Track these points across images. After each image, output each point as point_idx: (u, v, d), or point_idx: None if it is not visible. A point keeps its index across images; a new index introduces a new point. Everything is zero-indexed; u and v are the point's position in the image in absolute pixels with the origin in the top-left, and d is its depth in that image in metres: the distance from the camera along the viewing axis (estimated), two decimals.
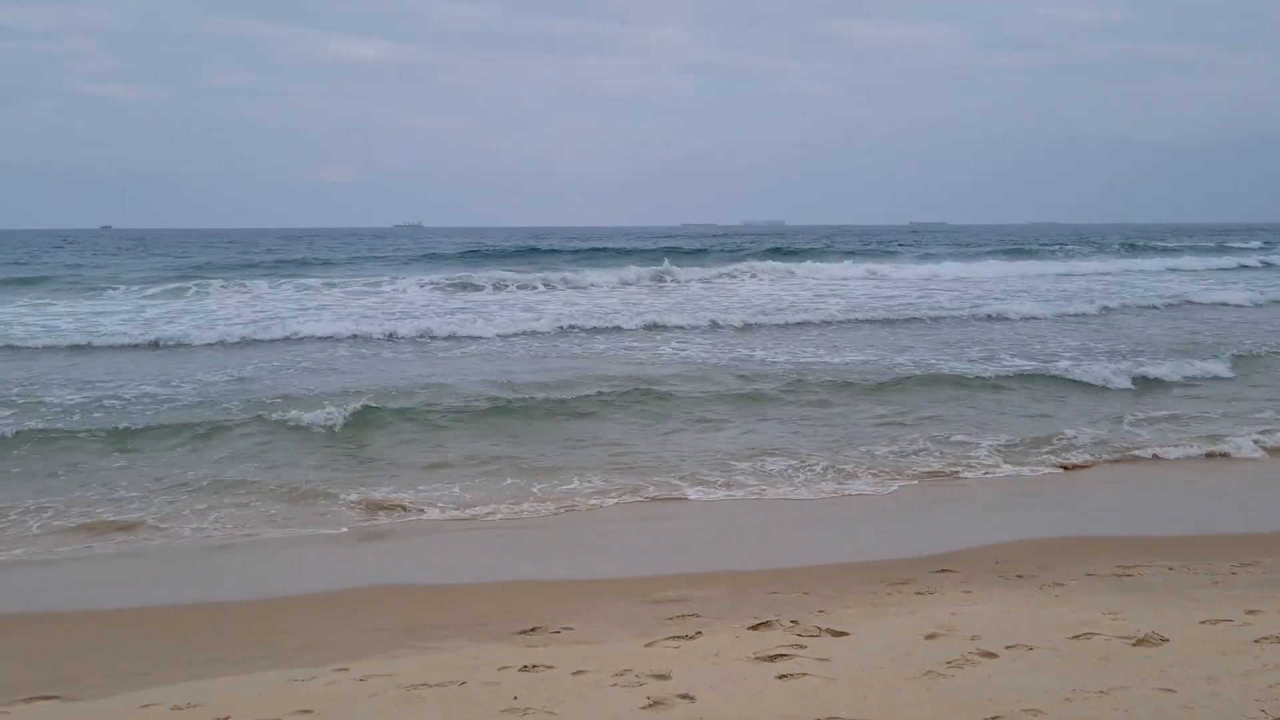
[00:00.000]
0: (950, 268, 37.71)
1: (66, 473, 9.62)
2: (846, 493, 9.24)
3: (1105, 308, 25.08)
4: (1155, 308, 25.60)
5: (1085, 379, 14.13)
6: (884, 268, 37.11)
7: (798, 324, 21.41)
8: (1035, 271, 37.98)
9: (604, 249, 51.67)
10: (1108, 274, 37.57)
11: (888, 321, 21.79)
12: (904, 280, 33.36)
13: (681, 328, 20.61)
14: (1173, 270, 39.43)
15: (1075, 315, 23.57)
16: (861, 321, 21.77)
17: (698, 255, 45.77)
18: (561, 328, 20.28)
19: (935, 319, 22.29)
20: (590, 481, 9.47)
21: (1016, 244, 62.97)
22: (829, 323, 21.55)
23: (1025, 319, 22.50)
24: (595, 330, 20.27)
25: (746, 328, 20.85)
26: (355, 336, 18.89)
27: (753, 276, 33.26)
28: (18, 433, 10.81)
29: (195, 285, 27.96)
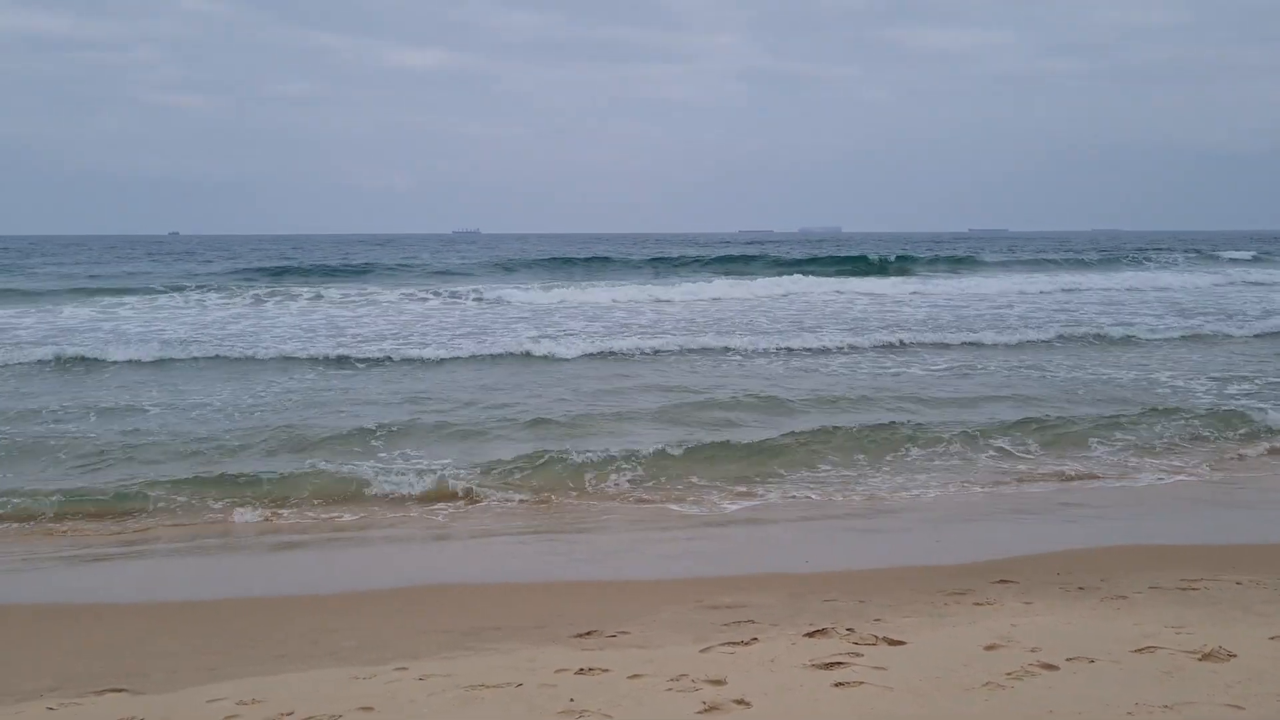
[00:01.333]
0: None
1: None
2: (906, 500, 9.16)
3: None
4: None
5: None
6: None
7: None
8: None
9: (733, 257, 49.85)
10: None
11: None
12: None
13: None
14: None
15: None
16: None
17: (856, 264, 44.00)
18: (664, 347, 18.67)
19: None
20: (638, 482, 9.50)
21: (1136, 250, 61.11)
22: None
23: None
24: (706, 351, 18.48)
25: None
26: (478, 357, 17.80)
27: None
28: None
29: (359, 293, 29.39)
